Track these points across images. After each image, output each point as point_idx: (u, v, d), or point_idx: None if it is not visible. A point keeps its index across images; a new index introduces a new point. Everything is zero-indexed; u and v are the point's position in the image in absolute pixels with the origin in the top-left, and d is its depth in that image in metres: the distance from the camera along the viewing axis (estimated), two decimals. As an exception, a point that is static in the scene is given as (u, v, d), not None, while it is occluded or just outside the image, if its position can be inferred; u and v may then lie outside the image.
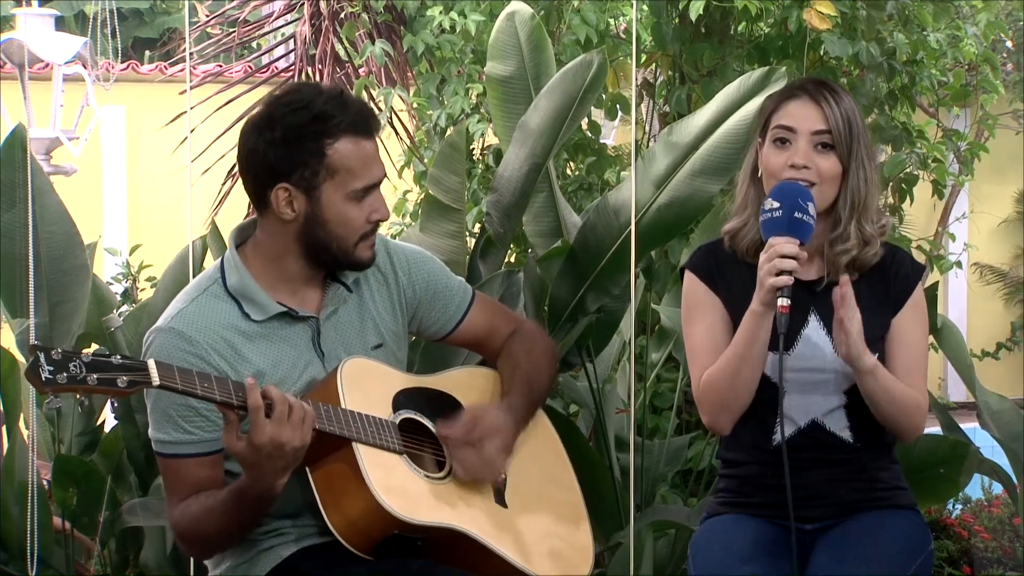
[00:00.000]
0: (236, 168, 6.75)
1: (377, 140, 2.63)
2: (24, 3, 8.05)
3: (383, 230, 2.75)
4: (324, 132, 2.55)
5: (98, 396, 4.33)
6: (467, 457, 2.66)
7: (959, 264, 6.15)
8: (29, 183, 3.97)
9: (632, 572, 3.52)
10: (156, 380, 2.37)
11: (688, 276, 2.86)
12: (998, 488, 5.27)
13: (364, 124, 2.58)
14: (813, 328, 2.76)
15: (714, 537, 2.79)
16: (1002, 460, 4.16)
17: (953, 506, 5.47)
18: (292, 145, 2.56)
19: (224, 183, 6.82)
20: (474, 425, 2.67)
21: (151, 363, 2.37)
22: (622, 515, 3.90)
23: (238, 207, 6.48)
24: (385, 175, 2.65)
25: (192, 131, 4.50)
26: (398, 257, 2.79)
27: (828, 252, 2.76)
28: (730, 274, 2.81)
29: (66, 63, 7.87)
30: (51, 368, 2.28)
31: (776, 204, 2.66)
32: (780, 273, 2.62)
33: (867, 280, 2.78)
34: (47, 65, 8.10)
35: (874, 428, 2.77)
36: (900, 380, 2.74)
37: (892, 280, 2.80)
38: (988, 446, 4.14)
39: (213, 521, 2.54)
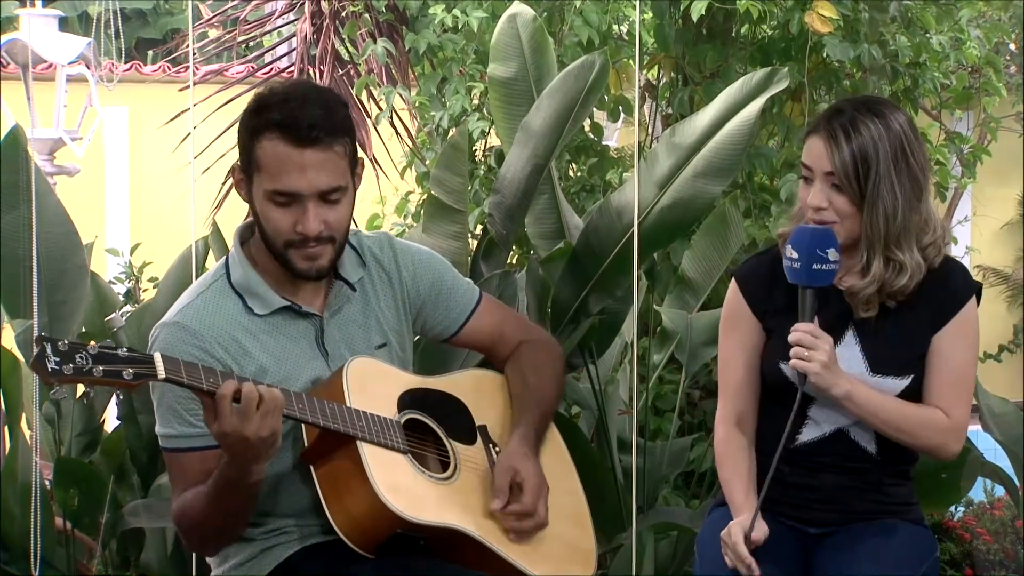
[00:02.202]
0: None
1: (315, 153, 2.51)
2: (28, 3, 8.06)
3: (384, 229, 2.74)
4: (256, 125, 2.55)
5: (100, 395, 4.33)
6: (526, 527, 2.68)
7: (961, 267, 6.15)
8: (33, 184, 3.97)
9: (634, 574, 3.52)
10: (162, 373, 2.37)
11: (732, 286, 2.87)
12: (1000, 491, 5.27)
13: (289, 130, 2.51)
14: (848, 344, 2.74)
15: (718, 535, 2.78)
16: (1004, 463, 4.15)
17: (955, 509, 5.46)
18: (239, 129, 2.60)
19: (224, 182, 6.82)
20: (521, 492, 2.67)
21: (157, 356, 2.37)
22: (624, 517, 3.89)
23: (238, 207, 6.49)
24: (315, 193, 2.53)
25: (195, 127, 4.51)
26: (404, 257, 2.79)
27: (851, 286, 2.74)
28: (777, 290, 2.79)
29: (69, 63, 7.87)
30: (57, 359, 2.28)
31: (795, 255, 2.66)
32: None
33: (911, 295, 2.74)
34: (50, 65, 8.11)
35: (899, 444, 2.76)
36: (933, 399, 2.72)
37: (939, 295, 2.74)
38: (990, 449, 4.14)
39: (199, 508, 2.54)
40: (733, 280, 2.88)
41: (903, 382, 2.73)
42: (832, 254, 2.65)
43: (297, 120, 2.52)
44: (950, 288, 2.75)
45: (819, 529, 2.77)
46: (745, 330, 2.83)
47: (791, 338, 2.66)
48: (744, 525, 2.67)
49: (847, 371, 2.71)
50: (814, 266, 2.64)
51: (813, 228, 2.68)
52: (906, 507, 2.81)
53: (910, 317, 2.74)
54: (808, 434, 2.77)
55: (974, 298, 2.77)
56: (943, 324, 2.74)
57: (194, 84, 4.88)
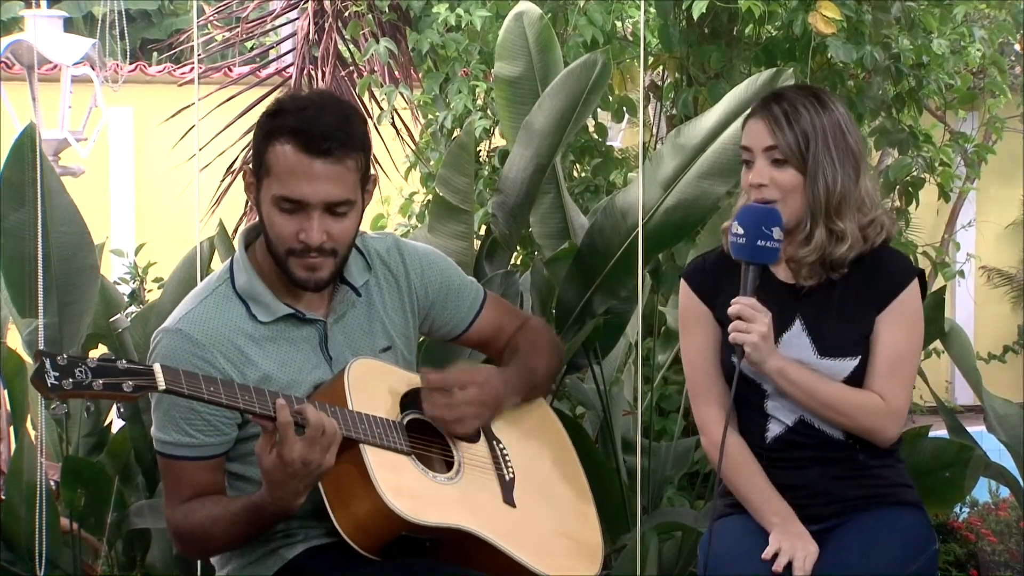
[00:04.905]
0: (235, 166, 6.82)
1: (326, 165, 2.51)
2: (33, 4, 8.08)
3: (389, 229, 2.75)
4: (271, 129, 2.55)
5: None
6: (437, 400, 2.65)
7: (961, 273, 6.17)
8: (38, 182, 3.97)
9: (638, 574, 3.52)
10: (162, 384, 2.37)
11: (683, 286, 2.90)
12: (1005, 492, 5.27)
13: (302, 138, 2.51)
14: (796, 331, 2.77)
15: (722, 538, 2.79)
16: (1009, 464, 4.15)
17: (960, 509, 5.46)
18: (255, 131, 2.61)
19: (223, 179, 6.84)
20: (456, 372, 2.68)
21: (157, 368, 2.37)
22: (628, 517, 3.89)
23: (237, 205, 6.51)
24: (321, 204, 2.53)
25: (201, 119, 4.51)
26: (411, 258, 2.79)
27: (793, 255, 2.78)
28: (724, 281, 2.82)
29: (74, 64, 7.89)
30: (56, 374, 2.27)
31: (741, 230, 2.71)
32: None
33: (852, 279, 2.78)
34: (55, 66, 8.13)
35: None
36: (871, 382, 2.74)
37: (879, 280, 2.78)
38: (995, 449, 4.14)
39: (221, 531, 2.55)
40: (682, 280, 2.90)
41: (851, 363, 2.75)
42: (776, 232, 2.69)
43: (311, 128, 2.51)
44: (891, 270, 2.79)
45: (818, 525, 2.77)
46: (704, 326, 2.85)
47: (731, 311, 2.69)
48: (799, 554, 2.68)
49: (795, 356, 2.73)
50: (758, 242, 2.69)
51: (760, 206, 2.73)
52: (899, 488, 2.81)
53: (853, 299, 2.76)
54: (774, 429, 2.78)
55: (916, 282, 2.79)
56: (885, 306, 2.76)
57: (199, 80, 4.88)
